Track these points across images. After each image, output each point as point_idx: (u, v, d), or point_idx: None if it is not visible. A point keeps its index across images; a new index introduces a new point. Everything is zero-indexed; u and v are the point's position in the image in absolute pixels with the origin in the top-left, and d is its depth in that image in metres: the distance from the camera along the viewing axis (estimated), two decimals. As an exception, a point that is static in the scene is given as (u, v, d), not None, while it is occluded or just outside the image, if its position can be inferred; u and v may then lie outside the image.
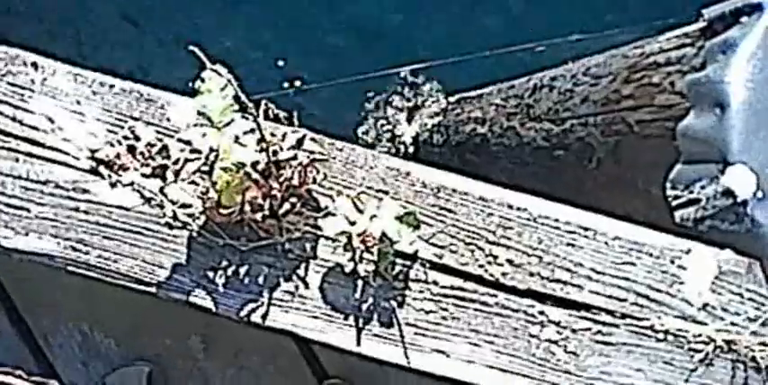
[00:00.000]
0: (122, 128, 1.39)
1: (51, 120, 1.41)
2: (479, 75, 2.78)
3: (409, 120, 3.58)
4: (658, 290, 1.34)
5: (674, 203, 1.45)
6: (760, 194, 1.35)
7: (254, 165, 1.29)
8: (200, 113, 1.27)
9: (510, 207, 1.37)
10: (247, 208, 1.35)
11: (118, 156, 1.36)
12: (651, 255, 1.35)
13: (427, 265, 1.36)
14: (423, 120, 3.44)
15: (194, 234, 1.37)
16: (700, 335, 1.32)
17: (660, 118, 1.79)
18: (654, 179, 1.58)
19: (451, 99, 3.12)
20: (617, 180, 2.05)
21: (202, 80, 1.27)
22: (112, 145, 1.37)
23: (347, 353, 1.36)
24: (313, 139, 1.39)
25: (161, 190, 1.35)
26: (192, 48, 1.20)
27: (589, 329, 1.33)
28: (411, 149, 3.43)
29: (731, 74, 1.41)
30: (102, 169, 1.38)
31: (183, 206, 1.38)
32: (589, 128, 2.09)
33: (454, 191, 1.38)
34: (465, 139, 2.83)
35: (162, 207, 1.38)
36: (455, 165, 2.86)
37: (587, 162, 2.12)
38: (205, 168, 1.28)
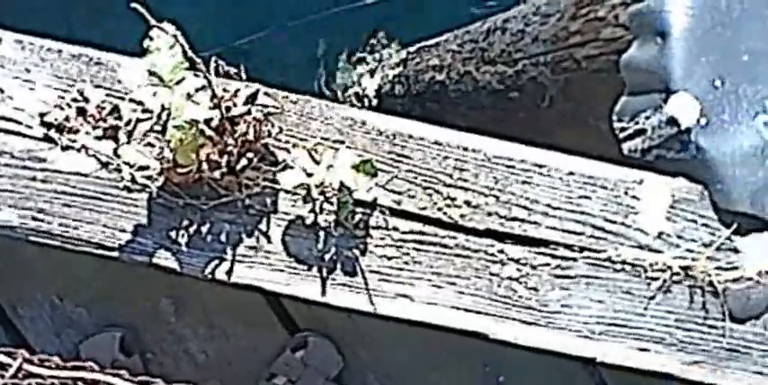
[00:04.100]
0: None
1: (1, 90, 1.39)
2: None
3: (371, 73, 3.57)
4: (614, 222, 1.37)
5: (622, 135, 1.47)
6: (703, 121, 1.36)
7: (208, 121, 1.29)
8: (150, 73, 1.27)
9: (465, 149, 1.38)
10: (204, 166, 1.35)
11: (67, 118, 1.35)
12: (605, 187, 1.37)
13: (387, 212, 1.37)
14: (384, 72, 3.43)
15: (154, 196, 1.37)
16: (656, 264, 1.35)
17: (606, 52, 1.80)
18: (603, 113, 1.59)
19: (411, 49, 3.11)
20: (570, 117, 2.07)
21: (150, 39, 1.26)
22: (62, 108, 1.36)
23: (315, 304, 1.38)
24: (266, 94, 1.38)
25: (115, 151, 1.34)
26: (135, 5, 1.19)
27: (548, 264, 1.36)
28: (374, 102, 3.42)
29: (671, 2, 1.42)
30: (52, 133, 1.37)
31: (141, 168, 1.38)
32: (540, 67, 2.10)
33: (410, 136, 1.39)
34: (425, 88, 2.83)
35: (119, 171, 1.38)
36: (417, 114, 2.86)
37: (540, 101, 2.13)
38: (158, 128, 1.28)
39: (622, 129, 1.46)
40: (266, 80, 1.41)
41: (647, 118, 1.42)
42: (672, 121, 1.37)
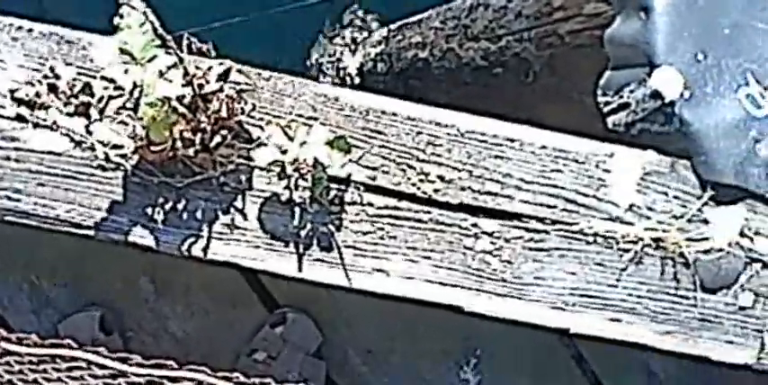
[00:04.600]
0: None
1: (-29, 70, 1.39)
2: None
3: (353, 51, 3.57)
4: (585, 195, 1.38)
5: (606, 109, 1.48)
6: (687, 94, 1.38)
7: (180, 99, 1.29)
8: (121, 50, 1.26)
9: (438, 124, 1.38)
10: (179, 143, 1.35)
11: (38, 94, 1.35)
12: (577, 161, 1.38)
13: (361, 188, 1.38)
14: (366, 50, 3.43)
15: (128, 174, 1.37)
16: (628, 235, 1.37)
17: (589, 27, 1.81)
18: (587, 88, 1.60)
19: (392, 27, 3.10)
20: (554, 92, 2.08)
21: (121, 16, 1.25)
22: (32, 85, 1.36)
23: (292, 280, 1.38)
24: (239, 71, 1.38)
25: (86, 128, 1.34)
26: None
27: (521, 237, 1.37)
28: (357, 80, 3.42)
29: (654, -23, 1.43)
30: (23, 110, 1.36)
31: (115, 147, 1.37)
32: (524, 43, 2.10)
33: (383, 112, 1.39)
34: (407, 66, 2.83)
35: (93, 149, 1.37)
36: (400, 91, 2.87)
37: (524, 77, 2.14)
38: (130, 105, 1.28)
39: (606, 104, 1.47)
40: (243, 60, 1.41)
41: (632, 92, 1.43)
42: (656, 95, 1.38)
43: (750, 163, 1.38)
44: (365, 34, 3.54)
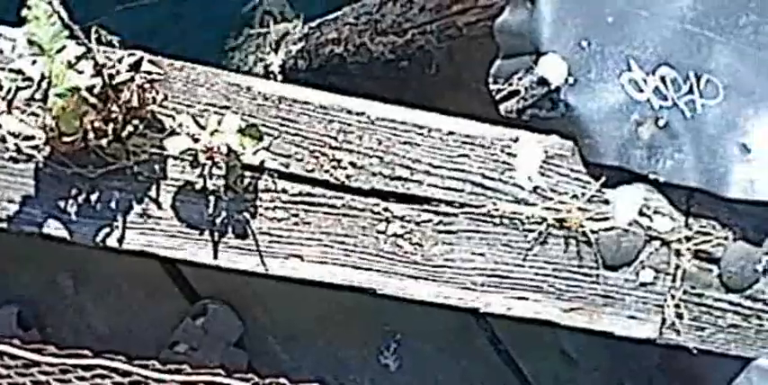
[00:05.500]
0: (-49, 66, 1.36)
1: None
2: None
3: (276, 50, 3.57)
4: (492, 178, 1.42)
5: (498, 97, 1.53)
6: (571, 80, 1.43)
7: (90, 89, 1.29)
8: (29, 42, 1.26)
9: (349, 112, 1.41)
10: (90, 134, 1.34)
11: (-56, 89, 1.33)
12: (483, 146, 1.43)
13: (275, 175, 1.40)
14: (288, 48, 3.44)
15: (41, 165, 1.37)
16: (533, 216, 1.42)
17: (483, 18, 1.87)
18: (483, 77, 1.65)
19: (312, 24, 3.13)
20: (455, 82, 2.14)
21: (28, 8, 1.25)
22: (-63, 80, 1.34)
23: (208, 267, 1.40)
24: (151, 61, 1.39)
25: (-5, 121, 1.33)
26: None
27: (431, 221, 1.41)
28: (279, 77, 3.43)
29: (540, -32, 1.48)
30: (-73, 105, 1.35)
31: (26, 138, 1.37)
32: (427, 36, 2.15)
33: (295, 101, 1.41)
34: (325, 61, 2.86)
35: (4, 141, 1.36)
36: (320, 87, 2.88)
37: (428, 69, 2.19)
38: (39, 96, 1.27)
39: (498, 91, 1.52)
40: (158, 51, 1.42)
41: (520, 79, 1.48)
42: (542, 82, 1.44)
43: (632, 145, 1.44)
44: (287, 31, 3.56)
